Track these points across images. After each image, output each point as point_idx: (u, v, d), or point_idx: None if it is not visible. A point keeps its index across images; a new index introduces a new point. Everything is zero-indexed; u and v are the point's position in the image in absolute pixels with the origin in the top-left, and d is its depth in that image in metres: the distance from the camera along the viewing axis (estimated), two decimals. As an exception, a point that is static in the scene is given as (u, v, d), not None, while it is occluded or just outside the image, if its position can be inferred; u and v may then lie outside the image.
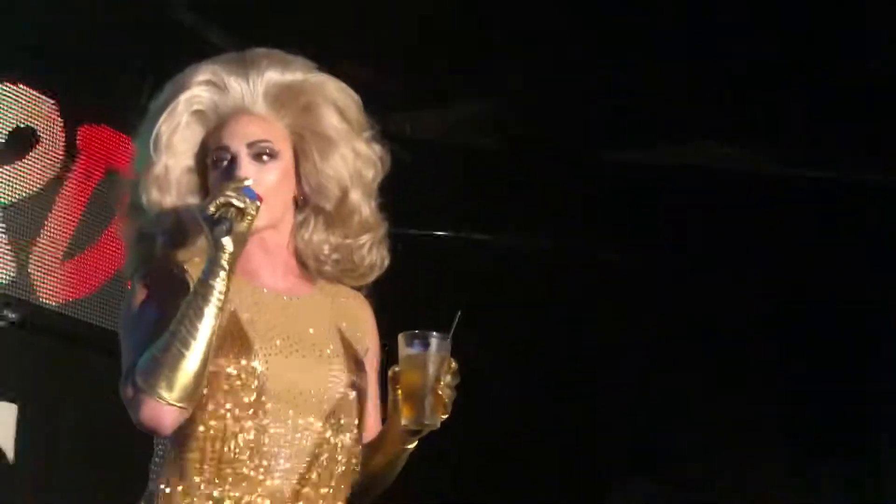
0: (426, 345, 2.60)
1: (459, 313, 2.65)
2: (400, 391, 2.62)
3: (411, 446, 2.69)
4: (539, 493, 5.98)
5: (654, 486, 6.01)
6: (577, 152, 5.77)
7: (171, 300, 2.53)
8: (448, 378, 2.60)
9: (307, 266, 2.74)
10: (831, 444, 6.14)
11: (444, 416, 2.63)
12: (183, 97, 2.66)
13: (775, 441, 6.16)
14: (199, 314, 2.45)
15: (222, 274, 2.47)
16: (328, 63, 2.75)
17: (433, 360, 2.59)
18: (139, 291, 2.62)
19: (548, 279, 6.00)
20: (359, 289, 2.82)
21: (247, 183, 2.54)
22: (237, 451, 2.54)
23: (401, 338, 2.63)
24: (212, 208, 2.48)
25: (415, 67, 5.22)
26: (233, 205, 2.48)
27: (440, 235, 5.71)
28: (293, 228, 2.71)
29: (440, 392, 2.59)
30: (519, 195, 5.85)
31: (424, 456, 2.76)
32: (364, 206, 2.72)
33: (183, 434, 2.53)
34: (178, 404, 2.46)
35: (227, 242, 2.47)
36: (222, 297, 2.47)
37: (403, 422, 2.62)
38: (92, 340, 4.75)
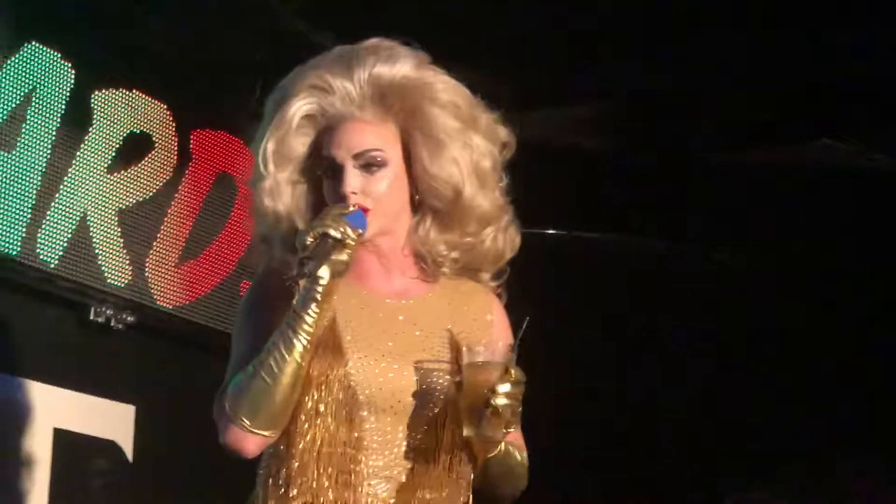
0: (487, 354, 2.52)
1: (528, 320, 2.55)
2: (461, 401, 2.53)
3: (493, 455, 2.57)
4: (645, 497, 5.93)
5: (770, 493, 5.91)
6: (687, 152, 5.72)
7: (279, 315, 2.51)
8: (507, 388, 2.46)
9: (425, 266, 2.69)
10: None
11: (508, 430, 2.51)
12: (289, 105, 2.62)
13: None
14: (288, 345, 2.45)
15: (314, 306, 2.45)
16: (437, 63, 2.71)
17: (492, 371, 2.48)
18: (252, 301, 2.62)
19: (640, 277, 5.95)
20: (498, 276, 2.74)
21: (351, 208, 2.51)
22: (335, 457, 2.53)
23: (464, 347, 2.56)
24: (309, 238, 2.45)
25: (525, 67, 5.20)
26: (330, 235, 2.45)
27: (548, 234, 5.67)
28: (410, 229, 2.67)
29: (495, 403, 2.46)
30: (627, 195, 5.81)
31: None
32: (481, 200, 2.65)
33: (284, 440, 2.53)
34: (261, 432, 2.47)
35: (323, 274, 2.44)
36: (313, 329, 2.45)
37: (465, 433, 2.52)
38: (206, 342, 4.80)
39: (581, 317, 5.80)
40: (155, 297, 4.76)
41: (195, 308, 4.89)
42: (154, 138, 4.77)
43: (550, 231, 5.58)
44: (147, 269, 4.73)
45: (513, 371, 2.48)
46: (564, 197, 5.69)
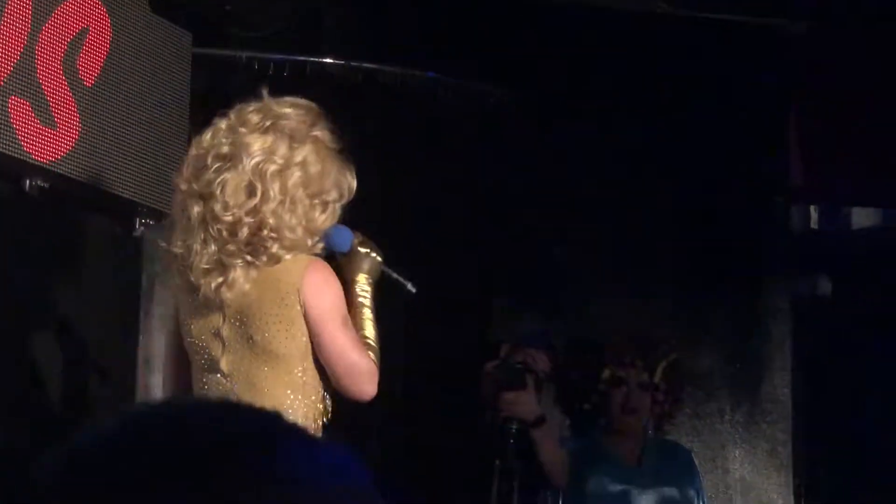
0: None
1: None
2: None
3: None
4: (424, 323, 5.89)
5: (539, 319, 5.92)
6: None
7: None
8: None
9: None
10: (720, 280, 6.17)
11: None
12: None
13: (664, 277, 6.15)
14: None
15: None
16: None
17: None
18: (339, 289, 3.61)
19: (417, 111, 5.79)
20: None
21: None
22: None
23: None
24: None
25: None
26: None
27: (327, 63, 5.45)
28: None
29: None
30: (396, 24, 5.64)
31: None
32: None
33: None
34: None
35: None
36: None
37: None
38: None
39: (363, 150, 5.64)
40: None
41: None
42: None
43: (328, 60, 5.37)
44: None
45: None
46: (346, 27, 5.52)
